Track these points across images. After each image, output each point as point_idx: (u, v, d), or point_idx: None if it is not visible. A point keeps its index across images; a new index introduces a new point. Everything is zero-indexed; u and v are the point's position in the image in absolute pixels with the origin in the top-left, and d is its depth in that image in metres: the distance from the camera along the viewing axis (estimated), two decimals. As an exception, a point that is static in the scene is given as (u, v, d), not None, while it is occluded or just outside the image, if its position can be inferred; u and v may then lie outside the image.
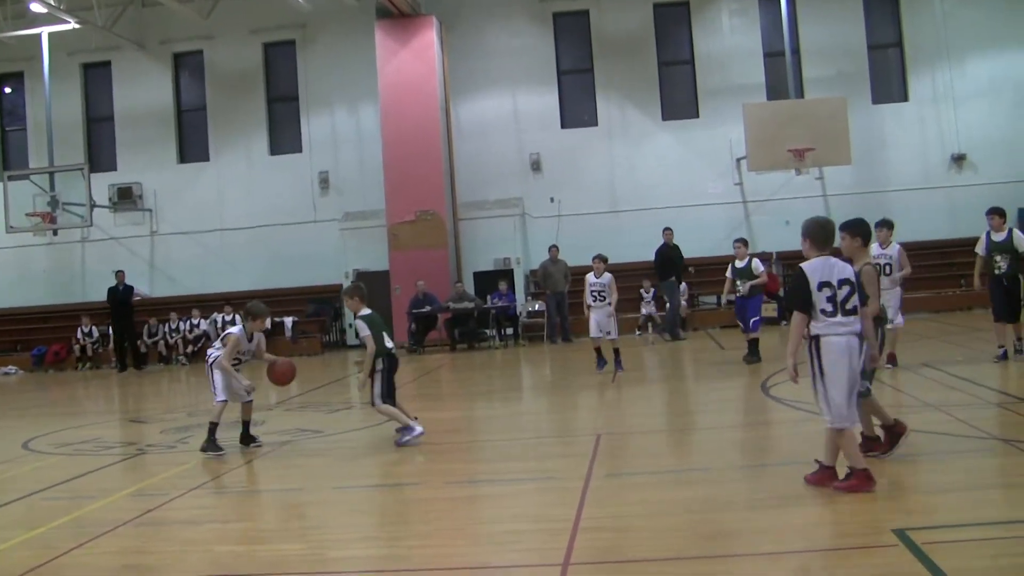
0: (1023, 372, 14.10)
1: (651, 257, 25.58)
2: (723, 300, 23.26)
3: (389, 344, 11.53)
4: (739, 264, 17.69)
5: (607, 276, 17.30)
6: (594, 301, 17.30)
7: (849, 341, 7.53)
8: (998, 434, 9.32)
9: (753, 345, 17.26)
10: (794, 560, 6.25)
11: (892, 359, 14.49)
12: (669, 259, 24.58)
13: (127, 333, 26.77)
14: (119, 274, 26.93)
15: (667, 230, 24.88)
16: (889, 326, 13.19)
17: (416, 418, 11.34)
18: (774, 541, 6.65)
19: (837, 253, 7.95)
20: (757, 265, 17.53)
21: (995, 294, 14.86)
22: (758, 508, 7.46)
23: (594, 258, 17.64)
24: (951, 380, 13.25)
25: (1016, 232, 14.94)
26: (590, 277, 17.44)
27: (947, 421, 10.12)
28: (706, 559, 6.42)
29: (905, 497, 7.55)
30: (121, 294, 26.76)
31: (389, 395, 11.32)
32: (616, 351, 17.33)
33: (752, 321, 17.35)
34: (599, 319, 17.22)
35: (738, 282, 17.51)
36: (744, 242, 18.15)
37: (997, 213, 15.20)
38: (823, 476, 7.71)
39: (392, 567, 6.85)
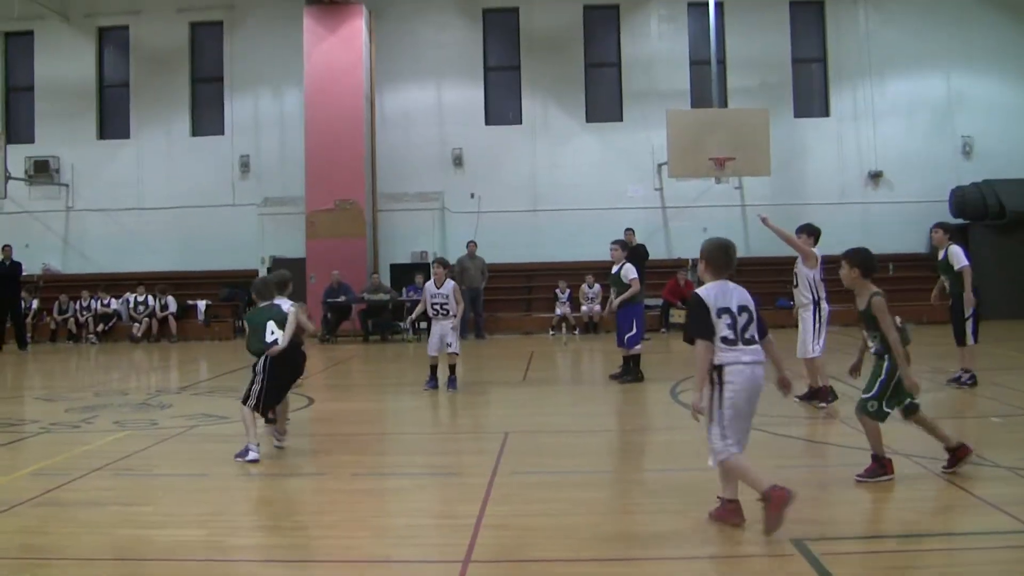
0: (927, 388, 14.47)
1: (569, 257, 26.45)
2: (604, 310, 21.08)
3: (270, 338, 10.48)
4: (613, 270, 15.99)
5: (450, 284, 15.29)
6: (435, 315, 15.31)
7: (754, 371, 7.13)
8: (901, 450, 9.43)
9: (628, 363, 15.94)
10: (693, 565, 6.58)
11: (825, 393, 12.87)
12: (634, 261, 24.83)
13: (13, 311, 25.96)
14: (6, 249, 25.96)
15: (628, 230, 24.83)
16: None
17: (259, 444, 10.13)
18: (675, 546, 6.95)
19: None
20: (627, 272, 15.63)
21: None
22: (661, 512, 7.72)
23: (434, 263, 15.82)
24: (857, 394, 13.63)
25: (951, 249, 14.29)
26: (430, 287, 15.37)
27: (853, 434, 10.17)
28: (607, 561, 6.64)
29: (807, 508, 7.61)
30: (7, 270, 25.82)
31: (267, 398, 10.41)
32: (453, 367, 15.48)
33: (627, 338, 15.72)
34: (442, 332, 15.18)
35: (613, 290, 16.03)
36: (621, 244, 16.35)
37: (941, 228, 14.83)
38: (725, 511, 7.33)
39: (293, 557, 6.96)
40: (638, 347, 15.85)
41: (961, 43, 29.73)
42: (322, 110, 27.74)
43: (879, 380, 8.45)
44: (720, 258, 7.35)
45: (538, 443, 11.13)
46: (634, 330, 15.62)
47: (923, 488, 8.34)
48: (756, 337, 7.20)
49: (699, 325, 7.15)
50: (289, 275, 11.75)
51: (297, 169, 28.42)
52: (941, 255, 14.55)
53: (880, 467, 8.44)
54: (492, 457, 9.93)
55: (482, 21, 30.57)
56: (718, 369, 7.14)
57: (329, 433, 11.81)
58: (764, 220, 13.05)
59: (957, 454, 8.53)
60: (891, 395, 8.44)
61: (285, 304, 10.96)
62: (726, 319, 7.13)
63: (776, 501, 6.85)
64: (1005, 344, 18.19)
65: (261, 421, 10.56)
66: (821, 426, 11.46)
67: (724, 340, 7.12)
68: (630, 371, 15.90)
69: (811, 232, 13.12)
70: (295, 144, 28.78)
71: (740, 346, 7.11)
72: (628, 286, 15.53)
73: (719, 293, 7.21)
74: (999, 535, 6.97)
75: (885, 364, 8.42)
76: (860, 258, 8.54)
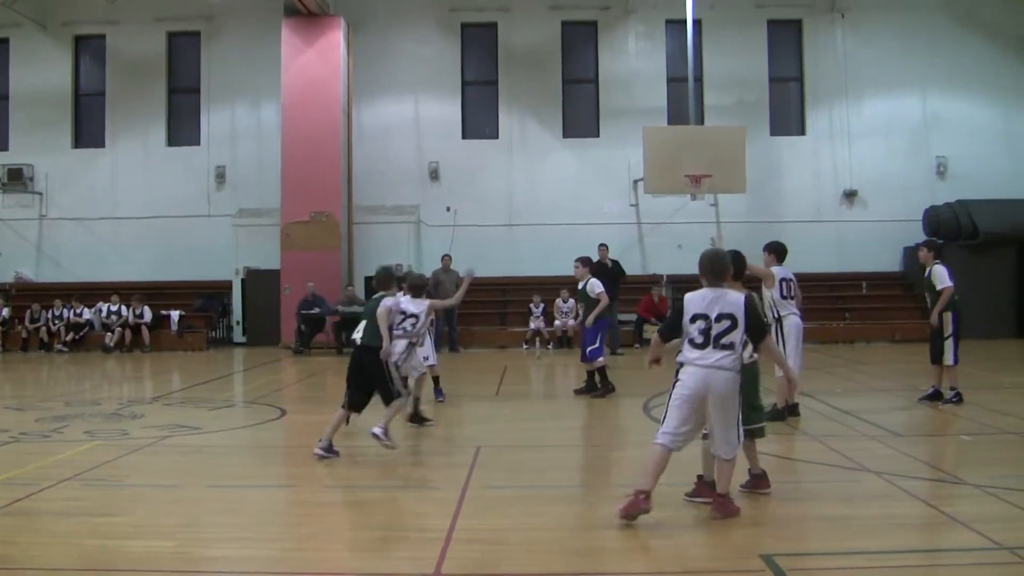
0: (899, 407, 14.97)
1: (543, 272, 26.74)
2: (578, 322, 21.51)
3: (355, 336, 11.31)
4: (579, 286, 16.28)
5: (424, 303, 14.11)
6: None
7: (708, 375, 7.79)
8: (870, 466, 9.76)
9: (593, 377, 16.23)
10: (662, 582, 6.80)
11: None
12: (603, 277, 24.95)
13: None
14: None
15: (602, 246, 25.07)
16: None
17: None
18: (644, 561, 7.17)
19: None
20: (593, 286, 15.89)
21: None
22: (631, 528, 7.80)
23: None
24: (830, 411, 14.00)
25: (935, 268, 14.54)
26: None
27: (823, 451, 10.78)
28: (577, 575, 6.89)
29: (776, 523, 8.00)
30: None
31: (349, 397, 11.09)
32: (436, 378, 15.70)
33: (589, 350, 16.01)
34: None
35: (579, 305, 16.41)
36: (583, 261, 16.49)
37: (926, 246, 15.07)
38: (718, 501, 8.08)
39: (264, 569, 7.03)
40: (600, 360, 16.03)
41: (938, 65, 30.28)
42: (299, 122, 27.88)
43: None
44: (705, 267, 8.08)
45: (510, 457, 11.30)
46: (597, 344, 15.87)
47: (893, 505, 8.51)
48: (734, 344, 7.82)
49: (668, 323, 8.24)
50: (425, 279, 12.77)
51: (273, 180, 28.50)
52: (927, 273, 14.72)
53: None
54: (464, 470, 10.10)
55: (460, 35, 30.92)
56: (679, 366, 7.99)
57: (301, 445, 11.83)
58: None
59: (700, 490, 8.60)
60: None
61: (392, 301, 11.23)
62: (700, 324, 7.85)
63: (631, 504, 7.79)
64: (978, 364, 18.53)
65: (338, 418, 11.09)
66: (795, 442, 11.66)
67: (691, 343, 7.89)
68: (595, 386, 16.14)
69: (773, 250, 13.38)
70: (271, 155, 28.79)
71: (708, 350, 7.81)
72: (596, 301, 15.74)
73: (701, 300, 7.94)
74: (968, 552, 7.16)
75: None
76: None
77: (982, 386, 15.51)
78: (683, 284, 27.88)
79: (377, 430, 10.99)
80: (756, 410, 8.85)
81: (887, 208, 29.97)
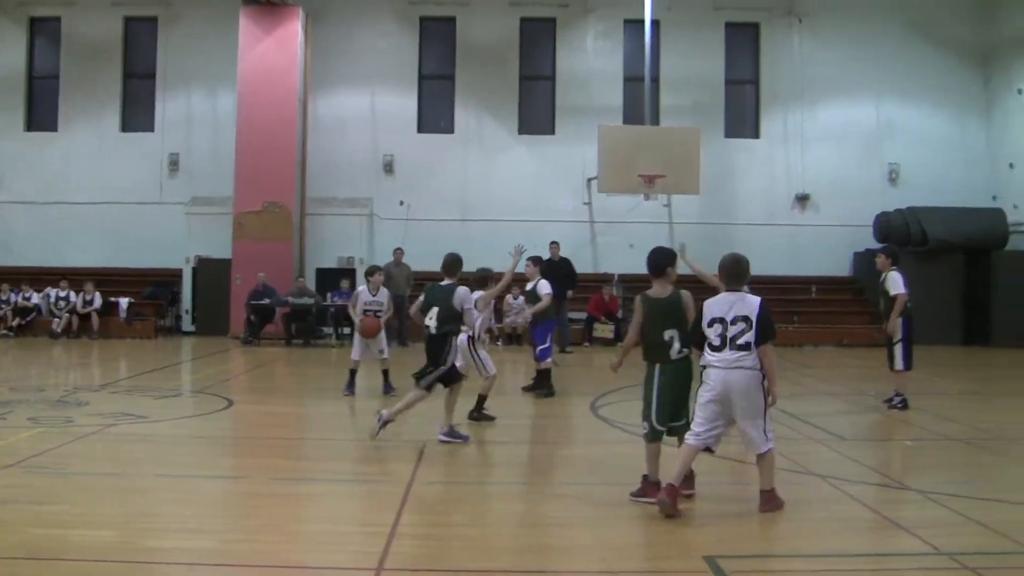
0: (846, 411, 15.23)
1: (495, 268, 26.80)
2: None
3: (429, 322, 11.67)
4: (528, 286, 16.63)
5: (384, 292, 16.43)
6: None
7: (727, 375, 8.18)
8: (815, 470, 9.97)
9: (542, 376, 16.28)
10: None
11: None
12: (553, 275, 25.17)
13: None
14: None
15: (554, 244, 25.69)
16: None
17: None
18: (588, 559, 7.18)
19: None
20: (541, 287, 16.05)
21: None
22: (577, 526, 7.98)
23: (374, 272, 16.72)
24: (777, 414, 13.70)
25: (890, 275, 14.79)
26: (364, 294, 16.29)
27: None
28: (521, 573, 6.95)
29: (720, 525, 8.14)
30: None
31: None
32: (386, 372, 16.22)
33: (540, 350, 16.12)
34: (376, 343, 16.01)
35: (529, 305, 16.54)
36: (535, 260, 16.62)
37: (884, 253, 15.35)
38: (765, 495, 8.40)
39: (209, 560, 7.00)
40: (548, 361, 16.18)
41: (893, 73, 30.79)
42: (255, 111, 27.97)
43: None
44: (726, 270, 8.49)
45: (456, 453, 11.35)
46: (547, 343, 16.05)
47: (836, 509, 8.70)
48: (750, 344, 8.19)
49: (694, 334, 8.52)
50: (489, 272, 13.15)
51: (227, 169, 28.52)
52: (882, 279, 14.96)
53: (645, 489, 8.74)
54: (410, 465, 10.17)
55: (419, 29, 31.06)
56: (702, 369, 8.41)
57: (249, 436, 11.98)
58: (682, 250, 13.61)
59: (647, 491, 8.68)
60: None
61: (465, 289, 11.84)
62: (717, 328, 8.27)
63: (658, 493, 8.13)
64: (925, 369, 18.85)
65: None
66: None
67: (711, 346, 8.31)
68: (542, 384, 16.25)
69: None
70: (226, 144, 28.79)
71: (726, 352, 8.21)
72: (541, 300, 15.96)
73: (719, 304, 8.36)
74: (909, 557, 7.34)
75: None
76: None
77: (929, 392, 15.79)
78: (634, 284, 28.31)
79: (441, 436, 11.57)
80: (680, 409, 8.88)
81: (839, 213, 30.46)
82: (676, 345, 8.66)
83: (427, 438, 11.75)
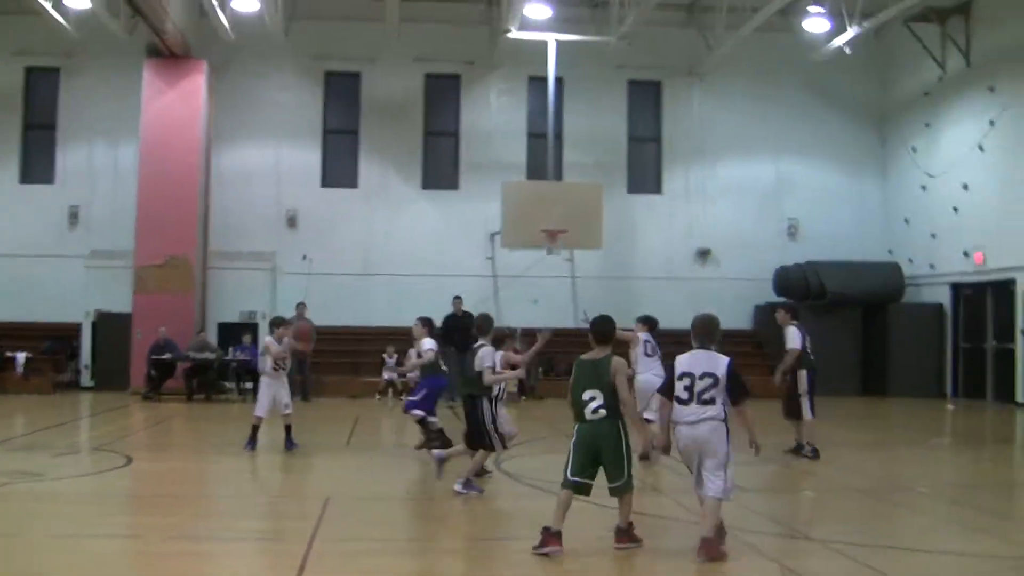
0: (745, 462, 15.12)
1: (398, 322, 27.14)
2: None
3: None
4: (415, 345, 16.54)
5: (287, 341, 16.38)
6: (275, 370, 16.30)
7: (693, 429, 8.83)
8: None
9: (427, 431, 15.95)
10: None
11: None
12: (455, 329, 25.51)
13: None
14: None
15: (457, 298, 26.39)
16: None
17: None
18: None
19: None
20: (422, 346, 16.05)
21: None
22: None
23: (277, 324, 16.78)
24: (678, 465, 13.87)
25: (788, 330, 15.43)
26: (272, 344, 16.27)
27: (671, 506, 11.14)
28: None
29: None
30: None
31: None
32: (289, 427, 16.26)
33: (407, 400, 16.27)
34: (277, 391, 16.15)
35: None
36: (422, 321, 16.64)
37: (783, 308, 16.11)
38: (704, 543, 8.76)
39: None
40: (416, 412, 15.76)
41: (791, 131, 31.86)
42: (157, 164, 27.86)
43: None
44: (698, 328, 9.27)
45: (359, 509, 11.45)
46: (416, 397, 15.85)
47: (738, 560, 8.80)
48: (715, 399, 8.83)
49: (664, 385, 9.22)
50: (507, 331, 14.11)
51: (128, 222, 28.30)
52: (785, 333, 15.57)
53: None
54: (312, 522, 10.10)
55: (324, 83, 31.35)
56: (672, 424, 9.10)
57: (146, 494, 11.92)
58: (584, 317, 14.02)
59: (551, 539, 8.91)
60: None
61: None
62: (686, 381, 8.87)
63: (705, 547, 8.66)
64: (824, 422, 19.34)
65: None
66: (644, 497, 11.43)
67: (679, 399, 8.94)
68: (430, 439, 15.89)
69: (646, 321, 15.84)
70: (127, 197, 28.60)
71: (693, 406, 8.83)
72: (427, 360, 15.90)
73: (689, 360, 8.99)
74: None
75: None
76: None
77: (829, 442, 16.12)
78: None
79: (457, 486, 11.92)
80: (618, 466, 9.22)
81: (739, 267, 31.20)
82: (592, 405, 9.03)
83: (330, 495, 11.78)
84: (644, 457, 13.82)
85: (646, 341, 15.39)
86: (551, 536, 8.77)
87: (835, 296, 29.46)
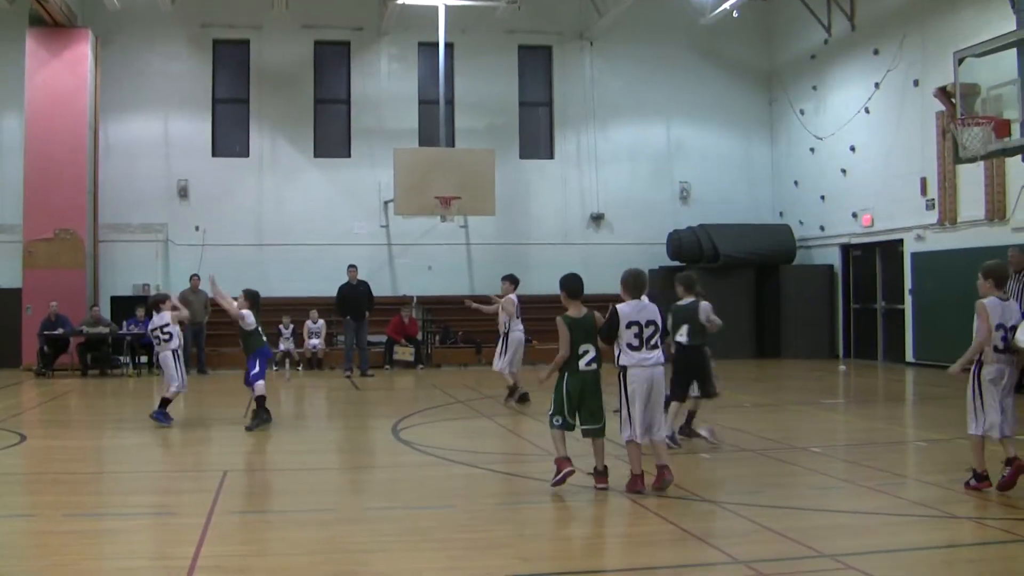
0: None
1: (294, 292, 27.67)
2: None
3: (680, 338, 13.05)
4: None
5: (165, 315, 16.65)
6: (159, 344, 16.79)
7: (652, 372, 10.05)
8: (613, 486, 10.34)
9: (259, 403, 15.93)
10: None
11: None
12: (350, 298, 26.42)
13: None
14: None
15: (351, 267, 26.85)
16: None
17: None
18: None
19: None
20: (242, 317, 16.04)
21: None
22: (378, 551, 8.17)
23: (159, 300, 17.21)
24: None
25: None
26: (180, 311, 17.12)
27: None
28: None
29: (521, 543, 8.45)
30: None
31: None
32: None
33: (252, 375, 15.97)
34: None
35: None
36: (245, 293, 16.55)
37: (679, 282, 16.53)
38: (633, 482, 10.18)
39: None
40: (259, 385, 15.88)
41: (682, 94, 32.82)
42: (43, 136, 27.83)
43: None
44: (629, 283, 10.32)
45: (257, 481, 11.79)
46: (256, 369, 15.91)
47: (635, 524, 9.33)
48: (658, 344, 10.13)
49: (607, 329, 10.17)
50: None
51: (15, 196, 28.25)
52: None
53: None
54: (210, 496, 10.23)
55: (212, 52, 31.39)
56: (623, 370, 10.16)
57: (41, 472, 11.98)
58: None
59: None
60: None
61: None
62: (634, 330, 10.02)
63: (655, 480, 10.20)
64: (719, 383, 20.03)
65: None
66: (542, 463, 11.63)
67: (629, 346, 10.06)
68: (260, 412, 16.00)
69: (513, 281, 18.91)
70: (14, 170, 28.48)
71: (643, 352, 10.01)
72: (249, 333, 16.18)
73: (632, 310, 10.12)
74: (708, 567, 7.82)
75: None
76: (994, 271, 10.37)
77: (722, 405, 16.26)
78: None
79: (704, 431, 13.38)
80: (597, 412, 10.42)
81: (633, 231, 32.10)
82: (586, 358, 10.21)
83: (228, 468, 12.02)
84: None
85: (517, 305, 18.42)
86: (562, 460, 10.32)
87: (728, 259, 30.33)
